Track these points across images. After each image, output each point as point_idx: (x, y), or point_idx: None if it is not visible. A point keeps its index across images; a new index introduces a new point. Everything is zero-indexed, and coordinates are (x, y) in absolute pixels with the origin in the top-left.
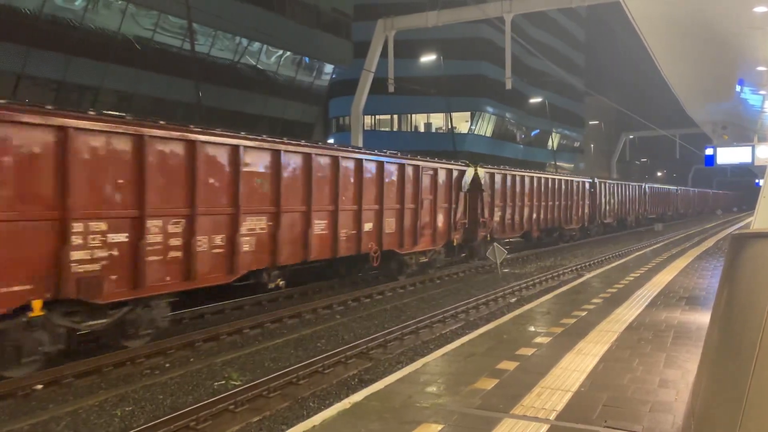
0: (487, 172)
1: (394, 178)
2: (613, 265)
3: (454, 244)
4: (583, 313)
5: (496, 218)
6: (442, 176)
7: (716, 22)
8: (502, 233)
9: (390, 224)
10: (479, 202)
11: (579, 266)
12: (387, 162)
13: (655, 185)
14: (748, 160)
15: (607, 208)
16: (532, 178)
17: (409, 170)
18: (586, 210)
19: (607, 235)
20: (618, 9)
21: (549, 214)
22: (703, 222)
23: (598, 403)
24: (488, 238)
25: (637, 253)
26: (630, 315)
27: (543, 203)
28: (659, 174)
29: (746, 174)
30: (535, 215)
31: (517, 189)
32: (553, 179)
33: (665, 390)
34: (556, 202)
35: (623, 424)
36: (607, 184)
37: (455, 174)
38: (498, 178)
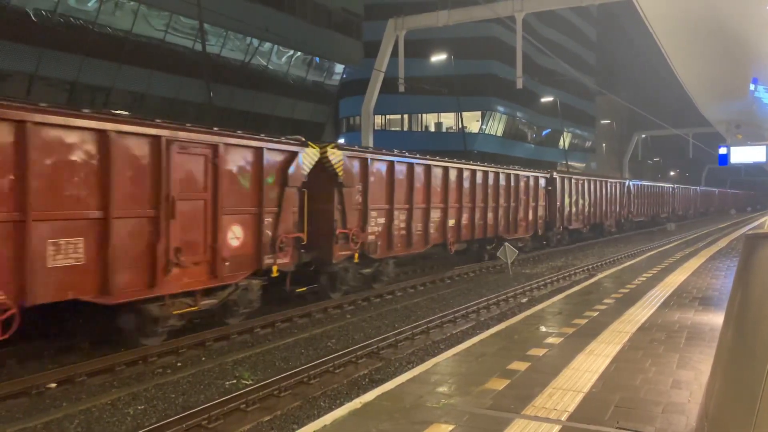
0: (351, 157)
1: (77, 157)
2: (625, 265)
3: (274, 273)
4: (595, 314)
5: (376, 228)
6: (235, 160)
7: (730, 20)
8: (388, 250)
9: (70, 250)
10: (336, 204)
11: (590, 266)
12: (41, 123)
13: (644, 182)
14: (762, 159)
15: (574, 210)
16: (446, 169)
17: (133, 144)
18: (540, 213)
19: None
20: (630, 7)
21: (479, 219)
22: (717, 222)
23: (610, 404)
24: (356, 259)
25: (649, 254)
26: (642, 315)
27: (469, 205)
28: (672, 173)
29: (760, 173)
30: (452, 222)
31: (418, 185)
32: (485, 172)
33: (678, 391)
34: (491, 204)
35: (636, 426)
36: (572, 181)
37: (271, 159)
38: (378, 168)
